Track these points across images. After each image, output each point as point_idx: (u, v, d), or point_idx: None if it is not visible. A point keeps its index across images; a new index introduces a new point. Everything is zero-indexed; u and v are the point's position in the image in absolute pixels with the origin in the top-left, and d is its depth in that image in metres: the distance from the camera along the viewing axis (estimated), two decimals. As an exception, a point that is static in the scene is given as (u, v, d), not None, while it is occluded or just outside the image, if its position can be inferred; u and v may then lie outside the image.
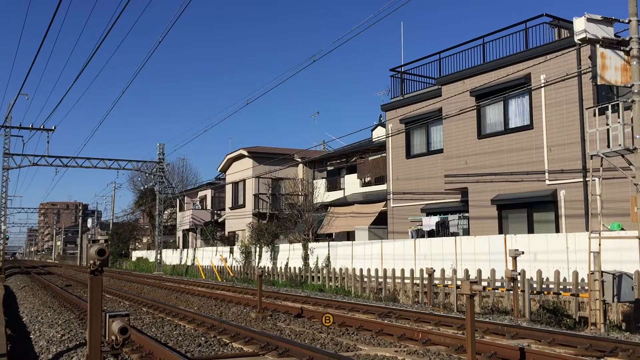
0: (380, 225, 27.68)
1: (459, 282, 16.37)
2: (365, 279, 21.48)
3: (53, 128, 35.32)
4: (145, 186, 57.13)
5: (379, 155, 31.03)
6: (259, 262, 31.27)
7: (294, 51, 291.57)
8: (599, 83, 13.07)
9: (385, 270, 20.64)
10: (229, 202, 44.36)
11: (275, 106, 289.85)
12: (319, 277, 24.90)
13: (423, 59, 25.41)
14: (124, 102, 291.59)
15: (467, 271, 17.40)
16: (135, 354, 8.53)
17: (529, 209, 19.56)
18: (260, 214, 38.98)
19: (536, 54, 19.29)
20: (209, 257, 37.76)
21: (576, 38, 12.64)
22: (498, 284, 16.17)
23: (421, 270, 18.51)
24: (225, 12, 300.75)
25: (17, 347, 9.80)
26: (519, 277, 13.76)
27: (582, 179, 17.85)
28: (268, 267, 29.49)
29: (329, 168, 38.19)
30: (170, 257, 45.64)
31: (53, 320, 12.96)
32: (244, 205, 41.33)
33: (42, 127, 35.08)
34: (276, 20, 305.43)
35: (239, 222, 41.28)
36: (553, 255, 15.56)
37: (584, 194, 17.70)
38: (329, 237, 32.49)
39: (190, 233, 52.41)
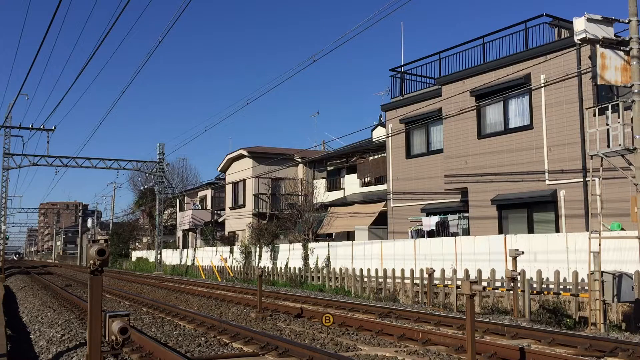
0: (380, 225, 27.68)
1: (459, 282, 16.38)
2: (365, 279, 21.48)
3: (53, 128, 35.32)
4: (145, 186, 57.14)
5: (379, 155, 31.03)
6: (259, 262, 31.27)
7: (294, 51, 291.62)
8: (599, 83, 13.08)
9: (385, 270, 20.64)
10: (229, 202, 44.36)
11: (275, 106, 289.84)
12: (319, 277, 24.90)
13: (423, 59, 25.44)
14: (124, 102, 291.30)
15: (467, 271, 17.40)
16: (135, 354, 8.53)
17: (529, 209, 19.56)
18: (260, 214, 38.98)
19: (536, 54, 19.29)
20: (209, 257, 37.76)
21: (576, 38, 12.65)
22: (498, 284, 16.17)
23: (421, 270, 18.51)
24: (225, 12, 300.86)
25: (17, 347, 9.80)
26: (519, 277, 13.76)
27: (582, 179, 17.86)
28: (268, 267, 29.49)
29: (329, 168, 38.20)
30: (170, 257, 45.65)
31: (53, 320, 12.96)
32: (244, 205, 41.33)
33: (42, 127, 35.08)
34: (276, 20, 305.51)
35: (239, 222, 41.28)
36: (553, 255, 15.56)
37: (584, 194, 17.70)
38: (329, 237, 32.50)
39: (190, 233, 52.42)
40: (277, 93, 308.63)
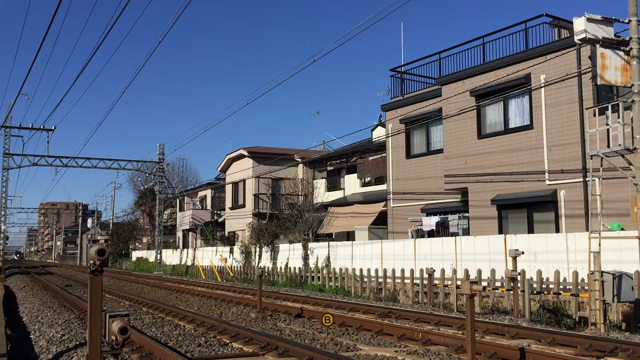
0: (380, 225, 27.68)
1: (459, 282, 16.38)
2: (365, 279, 21.49)
3: (53, 128, 35.35)
4: (145, 186, 57.14)
5: (379, 155, 31.03)
6: (259, 262, 31.28)
7: (294, 51, 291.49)
8: (599, 83, 13.08)
9: (385, 270, 20.64)
10: (229, 202, 44.36)
11: (275, 106, 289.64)
12: (319, 277, 24.90)
13: (423, 59, 25.45)
14: (124, 102, 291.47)
15: (467, 271, 17.40)
16: (135, 354, 8.53)
17: (529, 209, 19.56)
18: (260, 214, 38.98)
19: (536, 54, 19.29)
20: (209, 257, 37.77)
21: (576, 38, 12.65)
22: (498, 284, 16.18)
23: (421, 270, 18.51)
24: (225, 12, 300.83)
25: (17, 347, 9.80)
26: (519, 277, 13.76)
27: (582, 179, 17.86)
28: (268, 267, 29.49)
29: (329, 168, 38.20)
30: (170, 257, 45.65)
31: (53, 320, 12.96)
32: (244, 205, 41.33)
33: (42, 127, 35.11)
34: (276, 20, 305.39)
35: (239, 222, 41.28)
36: (553, 255, 15.56)
37: (584, 194, 17.70)
38: (329, 237, 32.49)
39: (190, 233, 52.42)
40: (277, 93, 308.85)
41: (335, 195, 35.26)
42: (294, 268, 27.04)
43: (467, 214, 21.83)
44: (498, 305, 15.74)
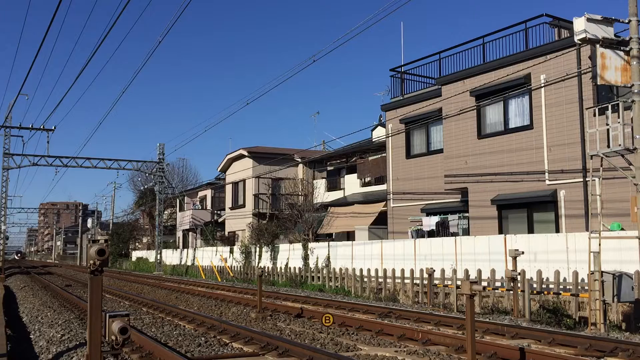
0: (380, 225, 27.68)
1: (459, 282, 16.38)
2: (365, 279, 21.48)
3: (53, 128, 35.34)
4: (145, 186, 57.16)
5: (379, 155, 31.03)
6: (259, 262, 31.27)
7: (294, 51, 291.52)
8: (599, 83, 13.08)
9: (385, 270, 20.64)
10: (229, 202, 44.37)
11: (275, 106, 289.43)
12: (319, 277, 24.90)
13: (423, 59, 25.44)
14: (124, 102, 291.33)
15: (467, 271, 17.40)
16: (135, 354, 8.53)
17: (529, 209, 19.56)
18: (260, 214, 38.98)
19: (536, 54, 19.29)
20: (209, 257, 37.76)
21: (576, 38, 12.65)
22: (498, 284, 16.17)
23: (421, 270, 18.51)
24: (226, 12, 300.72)
25: (17, 347, 9.80)
26: (519, 277, 13.76)
27: (582, 179, 17.86)
28: (268, 267, 29.49)
29: (329, 168, 38.19)
30: (170, 257, 45.64)
31: (53, 320, 12.96)
32: (244, 205, 41.33)
33: (42, 127, 35.10)
34: (276, 20, 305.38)
35: (239, 222, 41.28)
36: (553, 255, 15.56)
37: (584, 194, 17.70)
38: (329, 237, 32.49)
39: (190, 233, 52.42)
40: (277, 93, 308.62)
41: (335, 195, 35.26)
42: (294, 268, 27.04)
43: (467, 214, 21.82)
44: (498, 305, 15.74)
